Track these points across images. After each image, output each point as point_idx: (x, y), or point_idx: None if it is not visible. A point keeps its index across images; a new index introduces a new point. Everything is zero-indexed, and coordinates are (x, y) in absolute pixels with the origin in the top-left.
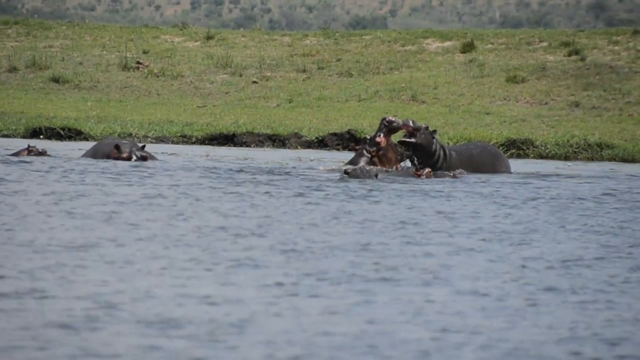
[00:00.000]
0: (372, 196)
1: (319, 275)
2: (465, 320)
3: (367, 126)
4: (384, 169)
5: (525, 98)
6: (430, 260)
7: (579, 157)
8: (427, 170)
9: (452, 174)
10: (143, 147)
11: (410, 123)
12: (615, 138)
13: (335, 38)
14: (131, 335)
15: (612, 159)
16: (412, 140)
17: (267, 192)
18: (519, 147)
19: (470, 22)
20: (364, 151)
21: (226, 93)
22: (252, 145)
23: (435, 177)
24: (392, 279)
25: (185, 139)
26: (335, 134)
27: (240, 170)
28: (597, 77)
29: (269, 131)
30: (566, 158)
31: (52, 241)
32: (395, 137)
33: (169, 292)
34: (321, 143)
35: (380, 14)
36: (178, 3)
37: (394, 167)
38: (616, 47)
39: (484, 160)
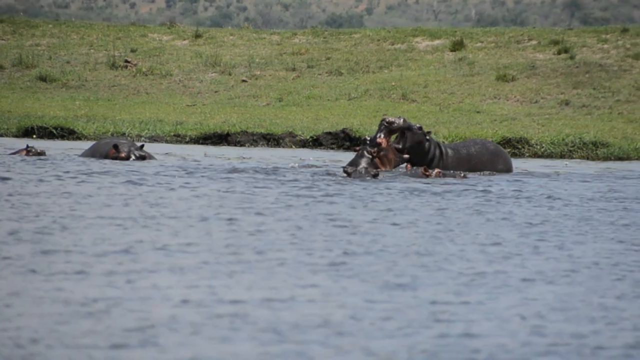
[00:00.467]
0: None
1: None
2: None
3: (358, 125)
4: (384, 169)
5: (515, 96)
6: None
7: (574, 155)
8: (437, 170)
9: (462, 174)
10: (142, 146)
11: (401, 121)
12: (606, 136)
13: (324, 37)
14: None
15: (607, 157)
16: (399, 146)
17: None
18: (514, 146)
19: (446, 20)
20: (365, 152)
21: (215, 92)
22: (247, 145)
23: (445, 177)
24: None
25: (179, 138)
26: (330, 133)
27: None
28: (587, 75)
29: (262, 130)
30: (561, 156)
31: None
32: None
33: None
34: (316, 142)
35: (357, 12)
36: (153, 1)
37: (405, 167)
38: (605, 46)
39: (482, 158)
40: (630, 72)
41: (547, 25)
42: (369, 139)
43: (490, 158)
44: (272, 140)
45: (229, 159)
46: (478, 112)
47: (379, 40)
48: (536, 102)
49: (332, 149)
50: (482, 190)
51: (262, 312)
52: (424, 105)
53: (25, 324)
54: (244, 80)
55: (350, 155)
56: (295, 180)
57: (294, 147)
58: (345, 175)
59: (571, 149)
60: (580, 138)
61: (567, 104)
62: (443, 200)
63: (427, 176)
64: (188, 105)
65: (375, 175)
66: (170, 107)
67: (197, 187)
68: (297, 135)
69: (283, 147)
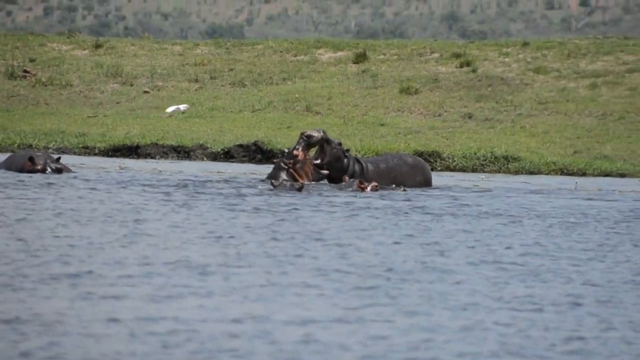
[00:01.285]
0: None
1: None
2: None
3: (262, 136)
4: (305, 182)
5: (419, 109)
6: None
7: (485, 169)
8: (373, 184)
9: (402, 188)
10: (58, 159)
11: (320, 135)
12: (510, 150)
13: (226, 47)
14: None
15: (518, 171)
16: (318, 161)
17: (256, 209)
18: (427, 160)
19: (326, 31)
20: (281, 163)
21: (117, 103)
22: (157, 157)
23: (382, 190)
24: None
25: (87, 150)
26: (241, 146)
27: (198, 184)
28: (489, 88)
29: (172, 142)
30: (473, 170)
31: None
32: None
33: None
34: (227, 155)
35: (237, 22)
36: (30, 9)
37: (342, 179)
38: (507, 59)
39: (401, 170)
40: (532, 85)
41: (426, 37)
42: (286, 151)
43: (408, 170)
44: (182, 152)
45: (165, 170)
46: (382, 124)
47: (281, 51)
48: (439, 115)
49: (244, 161)
50: (420, 206)
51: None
52: (328, 118)
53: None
54: (146, 92)
55: (263, 168)
56: (222, 194)
57: (205, 159)
58: (271, 188)
59: (483, 162)
60: (491, 152)
61: (470, 117)
62: (391, 216)
63: (363, 189)
64: (89, 116)
65: (299, 189)
66: (71, 118)
67: (168, 204)
68: (208, 148)
69: (194, 159)
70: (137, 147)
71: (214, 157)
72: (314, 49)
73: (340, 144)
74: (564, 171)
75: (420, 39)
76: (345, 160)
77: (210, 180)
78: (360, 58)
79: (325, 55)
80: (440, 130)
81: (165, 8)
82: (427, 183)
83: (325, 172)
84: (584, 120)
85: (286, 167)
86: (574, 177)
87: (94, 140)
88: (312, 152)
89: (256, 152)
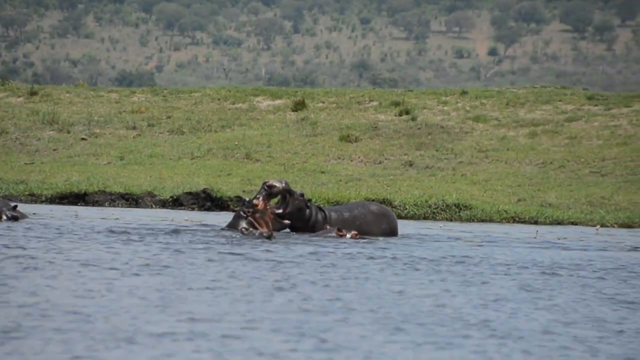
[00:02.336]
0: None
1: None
2: None
3: (202, 184)
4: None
5: (359, 157)
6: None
7: (437, 217)
8: (353, 232)
9: (381, 238)
10: (15, 207)
11: (282, 186)
12: (449, 197)
13: (163, 95)
14: None
15: (470, 219)
16: (280, 211)
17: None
18: None
19: (237, 79)
20: (241, 212)
21: (54, 150)
22: (106, 204)
23: (362, 238)
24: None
25: (34, 198)
26: (190, 193)
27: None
28: (429, 136)
29: (120, 190)
30: (425, 218)
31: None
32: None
33: None
34: (176, 202)
35: (147, 69)
36: None
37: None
38: (445, 107)
39: (366, 219)
40: (472, 134)
41: (337, 85)
42: (247, 200)
43: (373, 219)
44: (131, 199)
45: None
46: (323, 172)
47: (219, 99)
48: (380, 162)
49: (193, 209)
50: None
51: None
52: (268, 165)
53: None
54: (83, 139)
55: (211, 216)
56: (194, 241)
57: (154, 206)
58: (240, 235)
59: (434, 210)
60: (443, 200)
61: (411, 165)
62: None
63: (342, 236)
64: (26, 164)
65: (268, 237)
66: (7, 166)
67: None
68: (156, 195)
69: (143, 207)
70: (85, 194)
71: (163, 204)
72: (252, 96)
73: (302, 195)
74: (515, 219)
75: (333, 87)
76: (307, 210)
77: (188, 229)
78: (299, 106)
79: (264, 103)
80: (381, 177)
81: (74, 55)
82: (392, 231)
83: (287, 222)
84: (524, 169)
85: (245, 215)
86: (525, 225)
87: (34, 187)
88: (274, 201)
89: (205, 200)
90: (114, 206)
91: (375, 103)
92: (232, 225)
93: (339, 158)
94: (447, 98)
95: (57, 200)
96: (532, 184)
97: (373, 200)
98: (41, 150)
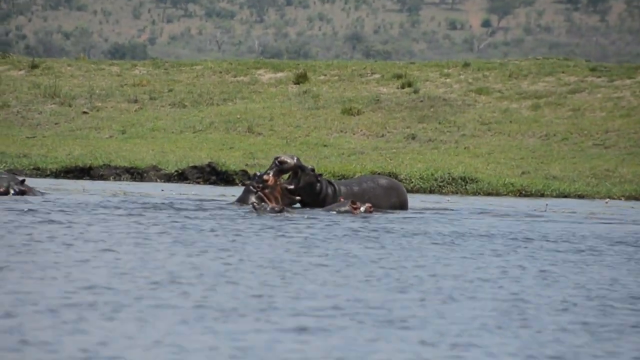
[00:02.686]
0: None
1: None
2: None
3: (205, 157)
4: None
5: (361, 130)
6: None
7: (443, 191)
8: (367, 205)
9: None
10: (22, 181)
11: (293, 162)
12: (455, 171)
13: (165, 68)
14: None
15: (476, 192)
16: (292, 187)
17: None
18: None
19: (230, 51)
20: (251, 187)
21: (56, 124)
22: (110, 178)
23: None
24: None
25: (40, 172)
26: (195, 167)
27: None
28: (432, 109)
29: (125, 164)
30: (431, 192)
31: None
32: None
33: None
34: (181, 176)
35: (139, 42)
36: None
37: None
38: (448, 80)
39: (375, 192)
40: (474, 106)
41: (330, 57)
42: (258, 174)
43: (383, 192)
44: (136, 174)
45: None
46: (325, 145)
47: (220, 72)
48: (383, 135)
49: (199, 182)
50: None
51: None
52: (270, 139)
53: None
54: (85, 112)
55: (218, 189)
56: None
57: (159, 180)
58: (253, 210)
59: (440, 184)
60: (449, 173)
61: (413, 138)
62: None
63: (356, 209)
64: (28, 137)
65: (279, 211)
66: (9, 139)
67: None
68: (161, 169)
69: (147, 181)
70: (90, 168)
71: (168, 178)
72: (253, 69)
73: (313, 170)
74: (521, 192)
75: (327, 59)
76: (318, 185)
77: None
78: (300, 79)
79: (265, 76)
80: (384, 151)
81: (66, 27)
82: (402, 205)
83: (297, 197)
84: (527, 141)
85: (255, 190)
86: (531, 198)
87: (38, 161)
88: (285, 177)
89: (210, 174)
90: (119, 180)
91: (377, 76)
92: (242, 200)
93: (341, 131)
94: (449, 70)
95: (62, 175)
96: (535, 156)
97: (380, 173)
98: (43, 123)
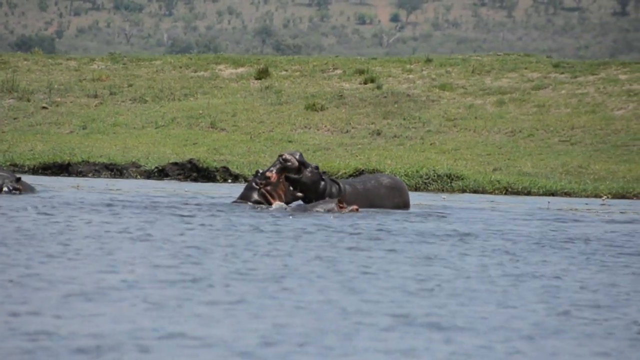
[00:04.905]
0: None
1: None
2: None
3: (170, 153)
4: (279, 203)
5: (325, 126)
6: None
7: (429, 188)
8: (354, 207)
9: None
10: (18, 179)
11: (297, 159)
12: (422, 167)
13: (124, 63)
14: None
15: (462, 190)
16: (296, 177)
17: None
18: None
19: (138, 44)
20: (253, 184)
21: (14, 119)
22: (89, 175)
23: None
24: None
25: (17, 169)
26: (176, 164)
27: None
28: (396, 105)
29: (104, 160)
30: (416, 189)
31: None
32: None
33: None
34: (162, 173)
35: (47, 34)
36: None
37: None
38: (410, 76)
39: (379, 192)
40: (439, 102)
41: (240, 52)
42: (260, 171)
43: (386, 192)
44: (115, 170)
45: (130, 190)
46: (290, 141)
47: (180, 67)
48: (347, 131)
49: (179, 179)
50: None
51: None
52: (234, 134)
53: None
54: (44, 107)
55: (199, 186)
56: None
57: (139, 177)
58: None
59: (426, 181)
60: (434, 170)
61: (378, 134)
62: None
63: (342, 208)
64: None
65: (283, 209)
66: None
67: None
68: (141, 166)
69: (127, 177)
70: (68, 164)
71: (148, 175)
72: (213, 64)
73: (317, 168)
74: (508, 190)
75: (236, 53)
76: (322, 183)
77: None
78: (262, 74)
79: (226, 71)
80: (349, 147)
81: None
82: (405, 205)
83: (300, 194)
84: (493, 137)
85: (258, 187)
86: (519, 196)
87: (27, 158)
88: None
89: (191, 170)
90: (98, 177)
91: (339, 71)
92: (244, 197)
93: (305, 127)
94: (412, 66)
95: (40, 171)
96: (501, 152)
97: (363, 170)
98: (1, 118)
